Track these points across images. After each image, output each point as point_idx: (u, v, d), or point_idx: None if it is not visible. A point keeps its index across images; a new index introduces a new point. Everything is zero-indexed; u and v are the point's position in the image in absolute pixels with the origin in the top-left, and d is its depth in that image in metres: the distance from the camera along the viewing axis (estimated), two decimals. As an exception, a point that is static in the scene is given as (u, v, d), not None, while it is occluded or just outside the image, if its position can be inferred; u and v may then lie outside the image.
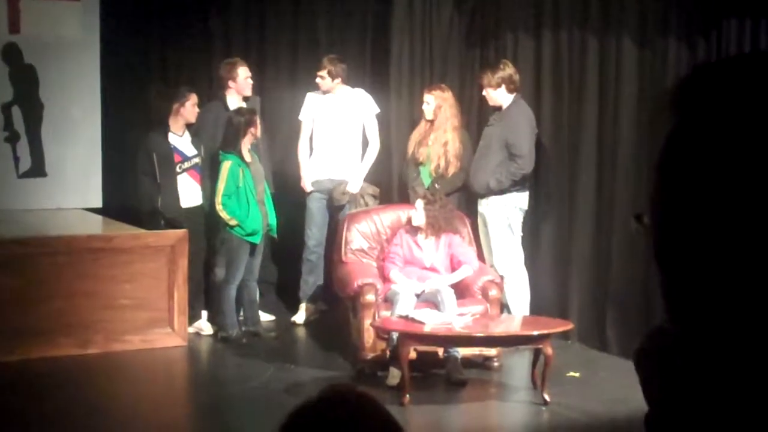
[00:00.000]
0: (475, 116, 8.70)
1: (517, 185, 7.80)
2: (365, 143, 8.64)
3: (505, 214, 7.84)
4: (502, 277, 7.63)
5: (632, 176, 7.38)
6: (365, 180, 8.59)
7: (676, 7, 7.09)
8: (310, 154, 8.67)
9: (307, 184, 8.60)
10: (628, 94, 7.47)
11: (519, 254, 7.94)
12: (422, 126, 8.27)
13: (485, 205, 7.90)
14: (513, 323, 7.43)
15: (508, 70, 7.84)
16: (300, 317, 8.66)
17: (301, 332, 8.55)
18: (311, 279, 8.69)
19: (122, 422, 6.32)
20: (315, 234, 8.64)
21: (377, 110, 8.63)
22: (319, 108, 8.59)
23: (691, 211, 0.94)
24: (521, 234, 7.96)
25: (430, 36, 8.98)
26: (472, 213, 8.00)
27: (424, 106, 8.18)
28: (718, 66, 0.99)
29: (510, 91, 7.84)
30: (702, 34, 6.86)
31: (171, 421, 6.57)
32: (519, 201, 7.88)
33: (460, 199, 8.18)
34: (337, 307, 8.72)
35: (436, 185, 8.01)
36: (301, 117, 8.67)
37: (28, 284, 7.48)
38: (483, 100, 8.15)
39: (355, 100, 8.59)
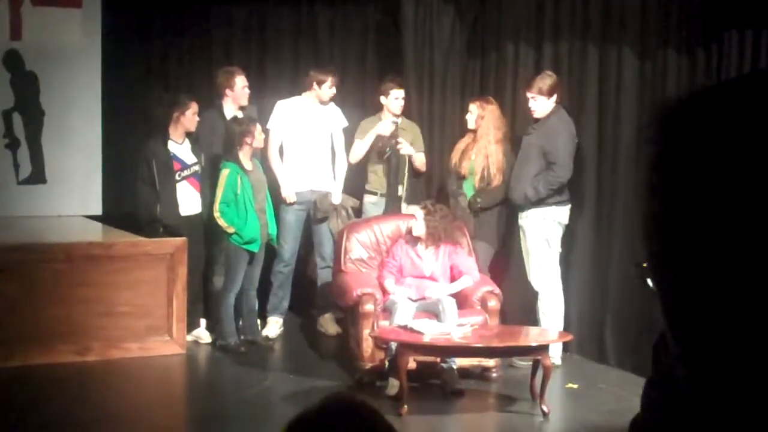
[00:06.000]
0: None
1: (555, 197, 7.58)
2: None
3: (543, 227, 7.60)
4: (537, 293, 7.58)
5: (632, 186, 7.38)
6: (343, 192, 8.53)
7: (676, 18, 7.10)
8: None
9: (291, 194, 8.42)
10: (629, 105, 7.47)
11: (555, 270, 7.69)
12: (466, 137, 8.13)
13: (524, 218, 7.68)
14: (512, 334, 7.40)
15: (548, 80, 7.64)
16: (272, 331, 8.49)
17: (299, 341, 8.53)
18: (281, 292, 8.54)
19: (119, 430, 6.32)
20: (291, 246, 8.50)
21: (345, 124, 8.57)
22: (292, 117, 8.44)
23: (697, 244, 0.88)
24: (560, 249, 7.71)
25: (431, 46, 8.99)
26: (513, 226, 7.89)
27: (468, 116, 8.07)
28: (706, 94, 0.94)
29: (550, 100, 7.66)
30: (702, 45, 6.86)
31: (168, 429, 6.56)
32: (558, 215, 7.64)
33: (501, 212, 8.00)
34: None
35: (478, 199, 7.92)
36: (270, 126, 8.42)
37: (27, 291, 7.47)
38: (516, 112, 8.15)
39: (327, 111, 8.51)
